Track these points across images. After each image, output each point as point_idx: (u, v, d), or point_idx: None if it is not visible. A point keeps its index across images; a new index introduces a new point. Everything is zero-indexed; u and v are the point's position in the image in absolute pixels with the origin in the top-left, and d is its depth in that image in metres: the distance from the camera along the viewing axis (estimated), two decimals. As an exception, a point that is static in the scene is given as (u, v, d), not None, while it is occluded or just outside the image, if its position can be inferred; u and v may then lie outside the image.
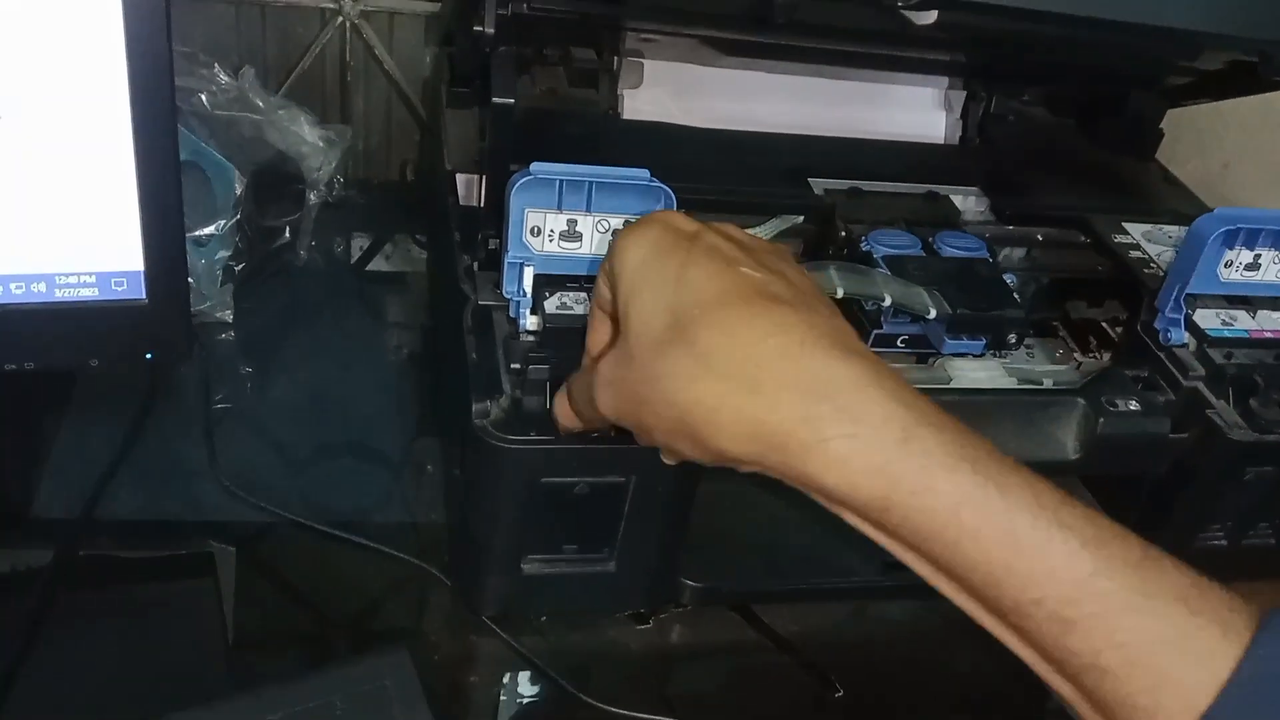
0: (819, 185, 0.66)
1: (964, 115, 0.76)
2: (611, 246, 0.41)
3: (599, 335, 0.44)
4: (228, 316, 0.71)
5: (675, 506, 0.52)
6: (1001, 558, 0.34)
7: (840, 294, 0.54)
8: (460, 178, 0.62)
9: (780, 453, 0.35)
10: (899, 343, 0.57)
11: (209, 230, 0.67)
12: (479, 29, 0.53)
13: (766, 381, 0.35)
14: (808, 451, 0.35)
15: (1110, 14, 0.45)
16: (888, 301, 0.55)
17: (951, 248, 0.61)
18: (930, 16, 0.45)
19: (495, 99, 0.52)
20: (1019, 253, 0.66)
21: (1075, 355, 0.63)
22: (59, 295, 0.49)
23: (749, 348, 0.36)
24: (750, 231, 0.62)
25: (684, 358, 0.36)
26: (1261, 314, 0.61)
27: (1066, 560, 0.33)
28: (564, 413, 0.46)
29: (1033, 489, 0.34)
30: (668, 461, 0.43)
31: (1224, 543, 0.60)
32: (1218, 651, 0.32)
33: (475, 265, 0.55)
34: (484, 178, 0.56)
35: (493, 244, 0.54)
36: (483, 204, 0.57)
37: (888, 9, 0.44)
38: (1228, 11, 0.48)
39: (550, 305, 0.51)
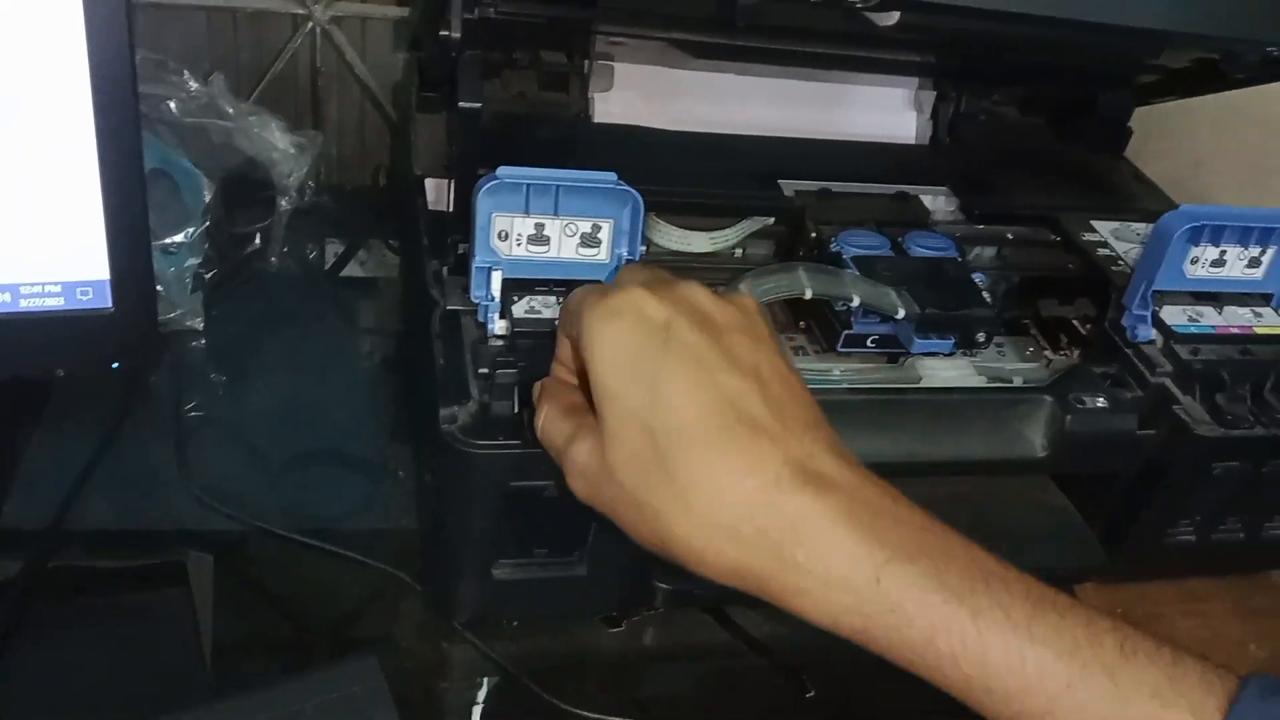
0: (789, 187, 0.66)
1: (934, 115, 0.77)
2: (579, 325, 0.40)
3: (566, 351, 0.45)
4: (198, 324, 0.71)
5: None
6: (979, 679, 0.35)
7: (809, 295, 0.54)
8: (429, 182, 0.62)
9: (762, 589, 0.37)
10: (869, 342, 0.58)
11: (178, 238, 0.67)
12: (445, 33, 0.53)
13: (745, 528, 0.36)
14: (786, 592, 0.37)
15: (1069, 13, 0.46)
16: (856, 302, 0.55)
17: (921, 248, 0.61)
18: (892, 18, 0.45)
19: (461, 103, 0.52)
20: (989, 252, 0.66)
21: (1046, 353, 0.64)
22: (24, 305, 0.49)
23: (728, 491, 0.36)
24: (720, 235, 0.62)
25: (665, 493, 0.37)
26: (1228, 310, 0.61)
27: (1040, 677, 0.35)
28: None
29: (1004, 608, 0.36)
30: None
31: (1193, 538, 0.61)
32: None
33: (445, 270, 0.55)
34: (452, 182, 0.56)
35: (462, 248, 0.54)
36: (451, 208, 0.57)
37: (849, 11, 0.44)
38: (1186, 10, 0.49)
39: (518, 309, 0.51)
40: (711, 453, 0.36)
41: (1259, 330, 0.61)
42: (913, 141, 0.77)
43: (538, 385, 0.46)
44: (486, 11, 0.54)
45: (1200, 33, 0.51)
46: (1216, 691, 0.34)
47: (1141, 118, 0.78)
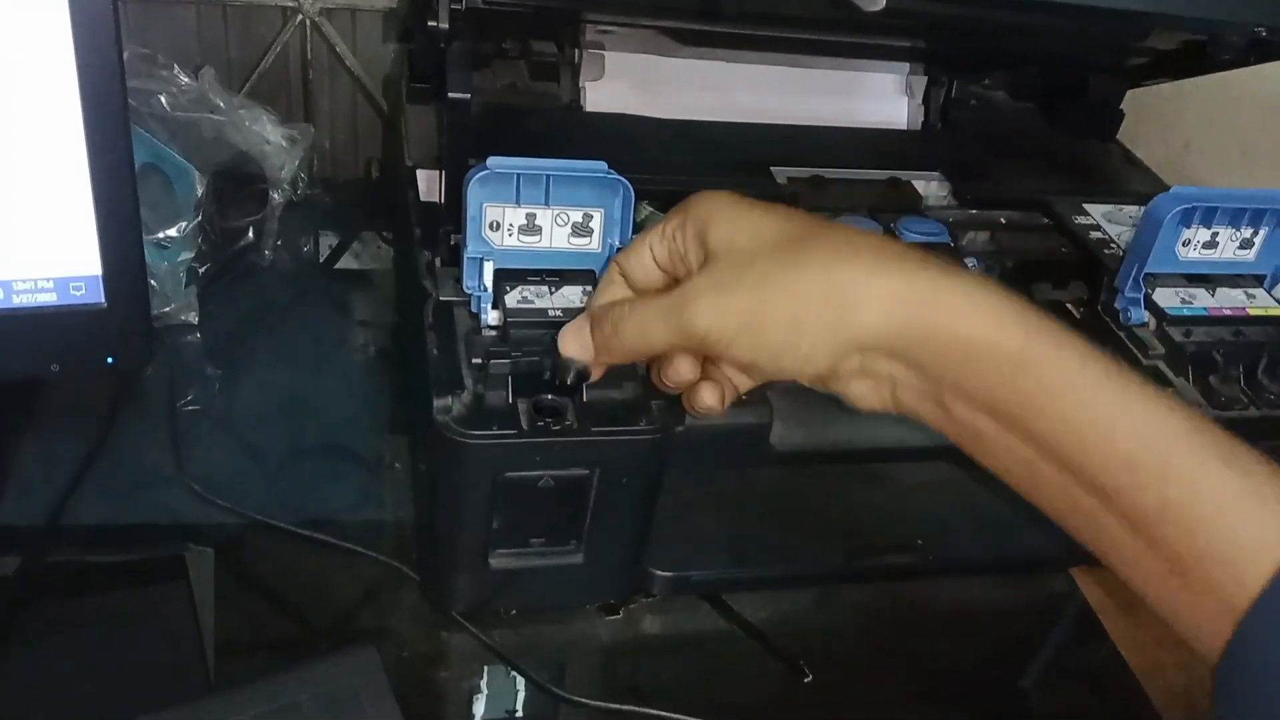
0: (781, 174, 0.66)
1: (925, 101, 0.77)
2: (687, 205, 0.43)
3: (613, 291, 0.46)
4: (193, 319, 0.71)
5: (641, 497, 0.52)
6: (1119, 407, 0.36)
7: (801, 282, 0.54)
8: (421, 174, 0.62)
9: (929, 311, 0.38)
10: (863, 330, 0.58)
11: (171, 232, 0.67)
12: (433, 24, 0.53)
13: (909, 259, 0.39)
14: (955, 306, 0.38)
15: (1054, -4, 0.46)
16: (848, 288, 0.55)
17: (913, 233, 0.61)
18: (879, 3, 0.45)
19: (451, 94, 0.52)
20: (982, 236, 0.66)
21: (1040, 337, 0.64)
22: (17, 301, 0.49)
23: (880, 241, 0.40)
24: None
25: (821, 250, 0.39)
26: (1220, 291, 0.61)
27: (1169, 416, 0.36)
28: (581, 346, 0.46)
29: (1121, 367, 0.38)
30: (753, 381, 0.45)
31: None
32: None
33: (437, 261, 0.55)
34: (443, 173, 0.56)
35: (454, 240, 0.54)
36: (443, 200, 0.57)
37: (835, -3, 0.44)
38: (1173, -8, 0.49)
39: (511, 299, 0.51)
40: (849, 229, 0.41)
41: (1252, 311, 0.61)
42: (904, 127, 0.77)
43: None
44: (475, 2, 0.54)
45: (1186, 15, 0.50)
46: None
47: (1132, 100, 0.78)
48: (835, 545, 0.58)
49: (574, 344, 0.46)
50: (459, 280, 0.52)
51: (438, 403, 0.48)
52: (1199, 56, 0.64)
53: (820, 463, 0.59)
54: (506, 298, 0.51)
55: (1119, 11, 0.48)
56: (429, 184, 0.61)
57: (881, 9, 0.45)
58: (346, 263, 0.84)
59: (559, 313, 0.50)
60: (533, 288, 0.52)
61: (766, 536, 0.59)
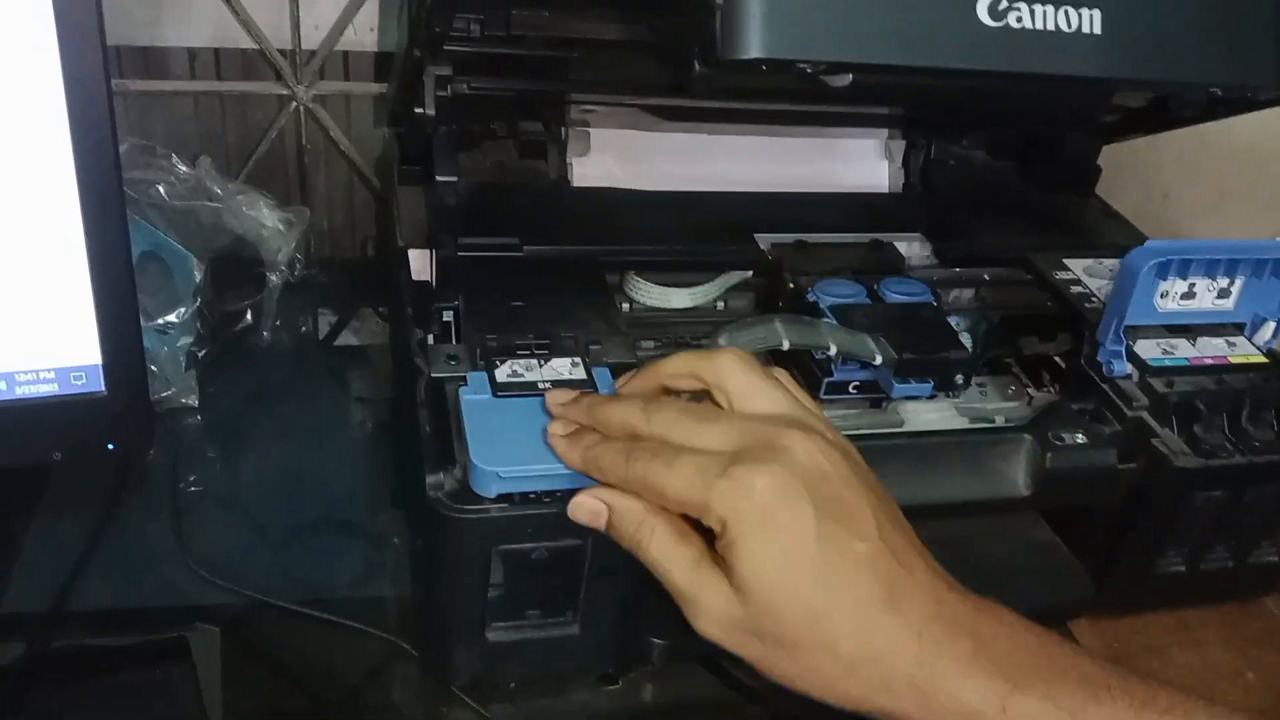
0: (765, 240, 0.67)
1: (905, 163, 0.78)
2: (726, 507, 0.42)
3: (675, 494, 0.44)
4: (193, 401, 0.72)
5: (636, 565, 0.53)
6: None
7: (786, 346, 0.55)
8: (412, 253, 0.63)
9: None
10: (851, 389, 0.58)
11: (170, 318, 0.69)
12: (420, 111, 0.55)
13: (897, 682, 0.41)
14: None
15: (1013, 66, 0.47)
16: (833, 350, 0.56)
17: (896, 294, 0.62)
18: (845, 80, 0.47)
19: (438, 177, 0.54)
20: (967, 294, 0.67)
21: (1029, 391, 0.64)
22: (19, 393, 0.50)
23: (883, 656, 0.41)
24: (699, 290, 0.64)
25: (827, 662, 0.41)
26: (1201, 341, 0.62)
27: None
28: (595, 523, 0.46)
29: (1112, 716, 0.39)
30: None
31: (1182, 568, 0.61)
32: None
33: (429, 339, 0.57)
34: (434, 252, 0.57)
35: (446, 316, 0.56)
36: (433, 278, 0.58)
37: (801, 76, 0.46)
38: (1127, 58, 0.50)
39: (501, 374, 0.53)
40: (868, 626, 0.41)
41: (1233, 359, 0.61)
42: (885, 190, 0.79)
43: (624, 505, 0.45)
44: (460, 88, 0.56)
45: (1143, 78, 0.52)
46: None
47: (1110, 154, 0.79)
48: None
49: (586, 517, 0.46)
50: (450, 357, 0.54)
51: (430, 479, 0.49)
52: (1166, 113, 0.66)
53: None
54: (497, 372, 0.53)
55: (1077, 78, 0.49)
56: (420, 263, 0.63)
57: (848, 85, 0.46)
58: (345, 339, 0.85)
59: (548, 385, 0.51)
60: (522, 361, 0.53)
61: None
